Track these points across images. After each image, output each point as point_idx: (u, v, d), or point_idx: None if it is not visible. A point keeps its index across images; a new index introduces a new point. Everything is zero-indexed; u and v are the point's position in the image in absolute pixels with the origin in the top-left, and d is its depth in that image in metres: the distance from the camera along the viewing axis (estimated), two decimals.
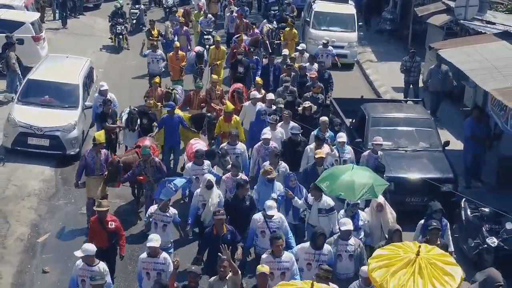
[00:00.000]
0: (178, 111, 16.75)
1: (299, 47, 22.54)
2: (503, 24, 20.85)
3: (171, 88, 18.41)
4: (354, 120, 17.09)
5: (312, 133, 15.26)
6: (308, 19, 27.47)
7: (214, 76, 19.33)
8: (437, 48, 18.79)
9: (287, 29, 24.78)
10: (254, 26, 25.13)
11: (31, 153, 17.23)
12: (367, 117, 16.31)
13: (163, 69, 21.69)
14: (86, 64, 19.86)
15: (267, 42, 23.86)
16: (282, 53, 21.20)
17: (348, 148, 14.81)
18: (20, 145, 17.32)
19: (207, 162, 14.07)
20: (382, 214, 12.42)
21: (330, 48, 22.51)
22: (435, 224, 11.44)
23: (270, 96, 17.17)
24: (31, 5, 26.74)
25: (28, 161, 17.11)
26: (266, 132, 14.89)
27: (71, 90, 18.40)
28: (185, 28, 24.43)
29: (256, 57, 21.50)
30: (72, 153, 17.56)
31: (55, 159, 17.49)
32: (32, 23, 23.29)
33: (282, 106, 16.70)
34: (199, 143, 15.38)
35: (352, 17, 27.33)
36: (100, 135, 14.52)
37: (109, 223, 11.88)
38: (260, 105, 17.00)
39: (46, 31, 25.75)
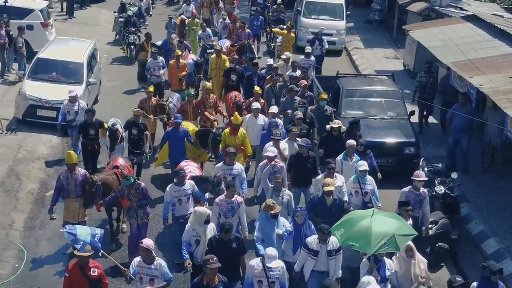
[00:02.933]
0: (185, 125, 15.77)
1: (283, 56, 21.28)
2: (475, 10, 22.67)
3: (164, 100, 17.61)
4: (330, 93, 18.79)
5: (338, 158, 14.09)
6: (299, 8, 29.23)
7: (208, 84, 18.25)
8: (408, 29, 20.52)
9: (285, 32, 24.07)
10: (245, 26, 24.38)
11: (40, 124, 18.92)
12: (341, 89, 18.07)
13: (165, 79, 20.97)
14: (90, 45, 21.64)
15: (253, 46, 23.17)
16: (267, 63, 20.10)
17: (370, 179, 13.33)
18: (30, 116, 18.99)
19: (190, 182, 12.82)
20: (412, 262, 10.75)
21: (312, 58, 21.29)
22: None
23: (274, 109, 16.30)
24: None
25: (37, 130, 18.81)
26: (271, 150, 13.90)
27: (76, 68, 20.07)
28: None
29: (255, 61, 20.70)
30: (76, 124, 19.07)
31: (61, 129, 19.01)
32: (41, 10, 25.14)
33: (302, 117, 15.57)
34: (190, 165, 14.16)
35: (341, 7, 29.08)
36: (71, 155, 13.13)
37: (92, 269, 10.13)
38: (263, 118, 16.28)
39: (54, 21, 27.54)
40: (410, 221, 11.73)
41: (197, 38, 24.69)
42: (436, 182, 14.46)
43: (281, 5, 28.99)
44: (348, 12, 29.44)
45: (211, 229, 11.48)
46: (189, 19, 25.95)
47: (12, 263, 12.96)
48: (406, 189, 12.95)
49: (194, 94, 17.74)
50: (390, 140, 16.73)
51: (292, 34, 24.18)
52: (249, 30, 24.32)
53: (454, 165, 16.33)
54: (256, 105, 16.36)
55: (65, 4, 32.29)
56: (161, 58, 20.64)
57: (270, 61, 20.34)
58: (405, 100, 18.97)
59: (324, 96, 16.95)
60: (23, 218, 14.65)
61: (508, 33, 17.03)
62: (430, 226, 12.97)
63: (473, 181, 16.21)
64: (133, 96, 22.08)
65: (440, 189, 13.94)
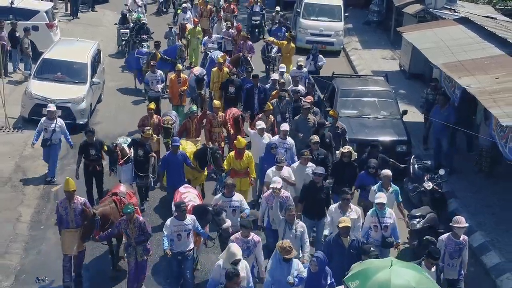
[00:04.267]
0: (183, 144, 15.33)
1: (280, 68, 20.76)
2: (468, 13, 23.28)
3: (169, 123, 16.54)
4: (326, 93, 19.40)
5: (373, 188, 13.36)
6: (299, 10, 29.84)
7: (216, 102, 17.54)
8: (402, 31, 21.14)
9: (285, 42, 23.60)
10: (248, 38, 24.07)
11: None
12: (336, 89, 18.70)
13: (164, 93, 20.64)
14: (94, 46, 22.26)
15: (249, 59, 22.05)
16: (271, 78, 19.86)
17: (390, 212, 12.45)
18: (36, 115, 19.35)
19: (191, 217, 12.12)
20: None
21: (304, 70, 20.75)
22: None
23: (284, 126, 15.48)
24: None
25: None
26: (276, 180, 12.95)
27: (80, 68, 20.65)
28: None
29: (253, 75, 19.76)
30: (81, 122, 19.78)
31: (66, 127, 19.78)
32: (46, 12, 25.75)
33: (318, 141, 14.88)
34: (190, 193, 13.41)
35: (339, 8, 29.69)
36: (70, 183, 12.49)
37: None
38: (268, 136, 15.72)
39: (58, 22, 28.14)
40: (433, 269, 11.13)
41: (202, 44, 24.46)
42: (425, 178, 15.09)
43: (280, 12, 28.91)
44: (346, 14, 30.04)
45: (243, 268, 10.69)
46: (191, 28, 25.93)
47: (20, 254, 13.59)
48: (445, 236, 11.88)
49: (196, 111, 17.11)
50: (383, 138, 17.31)
51: (292, 45, 23.57)
52: (251, 42, 23.86)
53: (441, 163, 16.84)
54: (260, 124, 15.74)
55: (69, 5, 32.89)
56: (159, 72, 20.19)
57: (275, 76, 19.91)
58: (399, 100, 19.63)
59: (333, 113, 16.51)
60: (30, 212, 15.32)
61: (497, 36, 17.61)
62: (418, 220, 13.57)
63: (464, 179, 16.78)
64: (137, 97, 22.70)
65: (428, 185, 14.59)
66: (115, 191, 13.20)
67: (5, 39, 22.73)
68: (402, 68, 25.48)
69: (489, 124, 15.42)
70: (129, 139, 15.77)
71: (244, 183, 14.56)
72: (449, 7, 24.03)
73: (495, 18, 23.32)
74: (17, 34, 23.47)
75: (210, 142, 16.15)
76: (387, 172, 13.32)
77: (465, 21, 20.07)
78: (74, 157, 17.95)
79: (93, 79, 20.67)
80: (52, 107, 16.64)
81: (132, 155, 15.22)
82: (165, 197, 15.54)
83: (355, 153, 14.63)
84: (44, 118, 16.47)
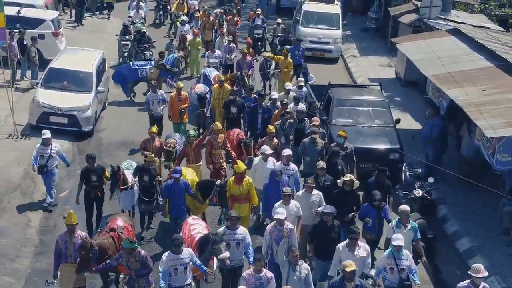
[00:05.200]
0: (184, 171, 14.90)
1: (286, 86, 20.69)
2: (463, 23, 24.03)
3: (171, 145, 16.48)
4: (322, 102, 20.13)
5: (390, 225, 13.09)
6: (298, 18, 30.62)
7: (218, 124, 17.13)
8: (396, 42, 21.87)
9: (282, 57, 23.43)
10: (248, 53, 23.67)
11: (52, 129, 19.43)
12: (332, 99, 19.42)
13: (162, 113, 19.99)
14: (99, 55, 22.98)
15: (245, 79, 22.09)
16: (272, 96, 19.72)
17: (406, 253, 12.03)
18: (43, 123, 20.19)
19: (188, 251, 11.89)
20: None
21: (304, 89, 20.68)
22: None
23: (287, 152, 15.30)
24: (50, 4, 29.92)
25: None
26: (281, 211, 12.67)
27: (86, 77, 21.38)
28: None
29: (254, 95, 19.71)
30: (86, 129, 20.57)
31: (72, 135, 20.51)
32: (52, 21, 26.43)
33: (324, 167, 14.60)
34: (199, 224, 13.24)
35: (337, 16, 30.50)
36: (72, 216, 12.32)
37: None
38: (273, 161, 15.50)
39: (63, 28, 28.87)
40: None
41: (205, 57, 24.59)
42: (416, 185, 15.84)
43: (282, 25, 29.16)
44: (344, 22, 30.78)
45: None
46: (191, 39, 26.36)
47: (30, 258, 14.34)
48: (464, 284, 11.45)
49: (194, 134, 16.73)
50: (376, 146, 18.07)
51: (290, 60, 23.38)
52: (250, 59, 23.64)
53: (431, 171, 17.54)
54: (265, 149, 15.53)
55: (74, 12, 33.64)
56: (160, 92, 20.08)
57: (275, 94, 19.96)
58: (395, 107, 20.29)
59: (343, 133, 16.23)
60: (39, 217, 16.06)
61: (486, 48, 18.31)
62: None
63: (452, 185, 17.44)
64: (140, 103, 23.38)
65: (418, 192, 15.34)
66: (112, 227, 12.91)
67: (15, 48, 23.40)
68: (398, 75, 26.24)
69: (474, 137, 16.21)
70: (134, 164, 15.77)
71: (243, 209, 14.37)
72: (443, 16, 24.72)
73: (488, 28, 24.06)
74: (25, 43, 24.20)
75: (211, 165, 16.26)
76: (405, 207, 13.01)
77: (456, 32, 20.78)
78: (80, 163, 18.87)
79: (98, 88, 21.41)
80: (47, 134, 16.35)
81: (135, 182, 14.99)
82: (167, 225, 15.38)
83: (357, 182, 14.27)
84: (39, 144, 16.36)
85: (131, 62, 24.22)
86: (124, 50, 27.28)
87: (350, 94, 20.03)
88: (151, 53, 26.29)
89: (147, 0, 33.98)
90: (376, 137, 18.48)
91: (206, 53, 24.83)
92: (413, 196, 15.38)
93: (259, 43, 29.39)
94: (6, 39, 20.81)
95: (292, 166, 15.20)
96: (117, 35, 28.59)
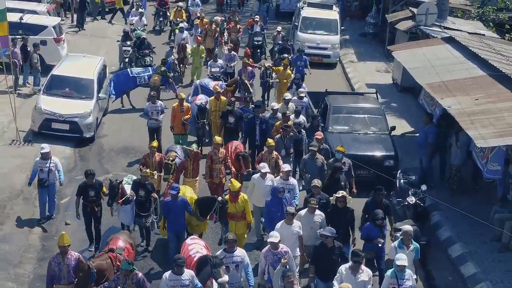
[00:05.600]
0: (182, 189, 14.83)
1: (285, 96, 20.37)
2: (458, 30, 24.39)
3: (170, 158, 16.42)
4: (319, 109, 20.49)
5: (392, 245, 13.14)
6: (297, 23, 31.03)
7: (217, 138, 17.02)
8: (392, 50, 22.24)
9: (281, 68, 23.51)
10: (249, 63, 23.84)
11: (54, 136, 20.63)
12: (329, 106, 19.81)
13: (160, 124, 19.91)
14: (100, 62, 23.36)
15: (246, 82, 22.38)
16: (271, 108, 19.73)
17: (409, 273, 12.07)
18: (45, 129, 20.69)
19: (189, 272, 11.79)
20: None
21: (305, 99, 20.55)
22: None
23: (287, 167, 15.46)
24: (52, 10, 30.29)
25: (51, 142, 20.05)
26: (274, 235, 12.57)
27: (87, 84, 21.77)
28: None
29: (252, 105, 19.86)
30: (88, 136, 20.94)
31: (74, 141, 20.89)
32: (54, 27, 26.83)
33: (319, 185, 14.54)
34: (197, 244, 13.18)
35: (335, 22, 30.90)
36: (64, 238, 12.23)
37: None
38: (271, 179, 15.40)
39: (65, 33, 29.24)
40: None
41: (209, 66, 24.57)
42: (409, 192, 16.21)
43: (282, 33, 29.23)
44: (342, 27, 31.14)
45: None
46: (194, 46, 26.57)
47: (33, 264, 14.72)
48: None
49: (194, 149, 16.68)
50: (372, 153, 18.45)
51: (289, 71, 23.46)
52: (251, 68, 23.66)
53: (425, 178, 17.92)
54: (263, 166, 15.43)
55: (75, 16, 34.01)
56: (160, 102, 20.01)
57: (275, 105, 19.92)
58: (391, 113, 20.59)
59: (341, 148, 16.46)
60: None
61: (480, 56, 18.66)
62: (400, 233, 14.64)
63: (447, 191, 17.83)
64: (141, 108, 23.70)
65: (411, 199, 15.69)
66: (112, 247, 12.82)
67: (18, 55, 23.76)
68: (394, 81, 26.60)
69: (460, 146, 16.70)
70: (134, 177, 15.70)
71: (239, 226, 14.41)
72: (439, 24, 25.07)
73: (483, 35, 24.40)
74: (28, 49, 24.56)
75: (209, 179, 16.34)
76: (408, 228, 13.03)
77: (451, 41, 21.15)
78: (82, 169, 19.25)
79: (99, 94, 21.77)
80: (46, 148, 16.38)
81: (133, 195, 14.92)
82: (164, 242, 15.32)
83: (350, 197, 14.33)
84: (38, 159, 16.38)
85: (129, 70, 24.44)
86: (125, 56, 27.56)
87: (347, 101, 20.41)
88: (151, 59, 26.62)
89: (146, 7, 34.27)
90: (371, 144, 18.85)
91: (209, 62, 24.96)
92: (406, 203, 15.73)
93: (259, 50, 29.60)
94: (9, 46, 21.18)
95: (292, 180, 15.31)
96: (118, 41, 28.95)
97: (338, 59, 30.52)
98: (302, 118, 18.99)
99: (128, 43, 27.64)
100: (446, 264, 15.17)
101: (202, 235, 15.00)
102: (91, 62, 23.28)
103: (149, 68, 24.49)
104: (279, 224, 13.28)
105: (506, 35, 29.75)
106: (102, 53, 29.01)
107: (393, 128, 19.42)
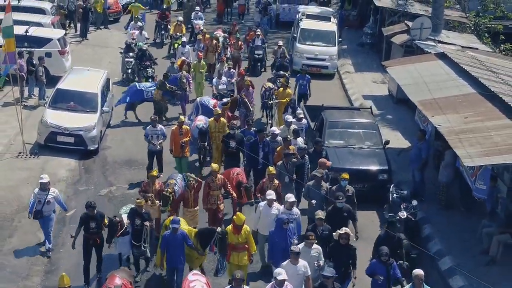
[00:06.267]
0: (183, 225, 14.80)
1: (287, 119, 20.49)
2: (452, 44, 25.08)
3: (169, 190, 16.27)
4: (315, 123, 21.18)
5: None
6: (295, 35, 31.76)
7: (214, 165, 17.05)
8: (386, 65, 22.93)
9: (281, 89, 23.54)
10: (251, 83, 23.76)
11: (59, 148, 21.34)
12: (325, 121, 20.50)
13: (160, 147, 19.99)
14: (103, 76, 24.03)
15: (246, 101, 22.44)
16: (271, 132, 19.46)
17: None
18: (51, 142, 21.37)
19: None
20: None
21: (304, 121, 20.75)
22: None
23: (291, 198, 15.40)
24: (57, 22, 30.98)
25: (57, 154, 21.20)
26: (280, 272, 12.52)
27: (91, 98, 22.43)
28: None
29: (253, 128, 19.85)
30: (92, 148, 21.63)
31: (79, 153, 21.55)
32: (58, 39, 27.53)
33: (322, 217, 14.80)
34: (199, 281, 13.14)
35: (333, 34, 31.61)
36: (65, 279, 12.45)
37: None
38: (277, 208, 15.49)
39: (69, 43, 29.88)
40: None
41: (214, 85, 24.80)
42: (401, 207, 16.91)
43: (283, 47, 29.22)
44: (340, 39, 31.83)
45: None
46: (195, 62, 26.89)
47: (40, 276, 15.39)
48: None
49: (193, 180, 16.58)
50: (367, 167, 19.15)
51: (288, 90, 23.53)
52: (253, 89, 23.71)
53: (417, 192, 18.61)
54: (270, 194, 15.51)
55: (79, 26, 34.69)
56: (160, 126, 20.07)
57: (275, 129, 19.69)
58: (387, 125, 21.16)
59: (346, 176, 16.60)
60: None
61: (470, 74, 19.30)
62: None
63: (436, 207, 18.54)
64: (143, 120, 24.42)
65: (403, 214, 16.41)
66: (110, 286, 12.74)
67: (24, 68, 24.42)
68: (390, 92, 27.26)
69: (445, 164, 17.59)
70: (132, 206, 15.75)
71: (241, 257, 14.48)
72: (433, 37, 25.75)
73: (476, 49, 25.10)
74: (34, 62, 25.23)
75: (208, 206, 16.46)
76: (419, 272, 12.84)
77: (443, 57, 21.78)
78: (86, 181, 20.05)
79: (103, 108, 22.46)
80: (45, 179, 16.23)
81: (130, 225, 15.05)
82: (164, 278, 15.41)
83: (352, 235, 14.35)
84: (37, 189, 16.20)
85: (137, 83, 25.15)
86: (127, 67, 28.26)
87: (342, 116, 21.09)
88: (152, 70, 27.20)
89: (144, 19, 34.60)
90: (366, 158, 19.53)
91: (214, 80, 25.19)
92: (398, 217, 16.42)
93: (259, 64, 30.09)
94: (16, 62, 21.86)
95: (295, 210, 15.42)
96: (121, 52, 29.64)
97: (336, 69, 31.22)
98: (300, 140, 19.20)
99: (131, 54, 28.32)
100: (436, 277, 15.77)
101: (203, 268, 15.21)
102: (95, 76, 23.94)
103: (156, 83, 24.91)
104: (284, 263, 13.25)
105: (501, 45, 30.50)
106: (105, 64, 29.93)
107: (387, 142, 20.09)
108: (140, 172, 20.41)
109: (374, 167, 19.18)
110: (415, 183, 18.93)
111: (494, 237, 15.79)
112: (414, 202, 16.74)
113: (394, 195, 17.78)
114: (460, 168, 17.12)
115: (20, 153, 21.17)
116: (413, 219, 16.49)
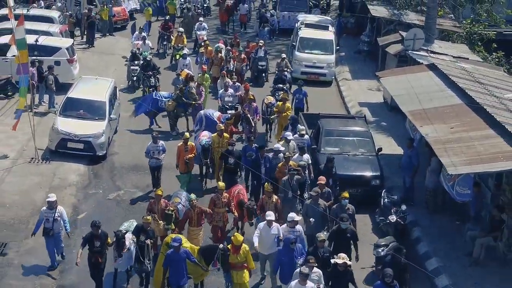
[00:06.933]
0: (185, 243, 15.14)
1: (286, 135, 21.29)
2: (444, 54, 26.21)
3: (170, 208, 16.83)
4: (313, 131, 22.34)
5: None
6: (294, 43, 32.99)
7: (221, 184, 17.71)
8: (380, 76, 24.08)
9: (280, 103, 24.25)
10: (254, 99, 24.32)
11: (69, 154, 22.55)
12: (321, 129, 21.68)
13: (161, 163, 20.68)
14: (111, 84, 25.21)
15: (249, 116, 23.05)
16: (276, 148, 20.07)
17: None
18: (62, 148, 22.58)
19: None
20: None
21: (306, 137, 21.39)
22: None
23: (295, 217, 16.01)
24: (65, 31, 32.16)
25: (67, 160, 22.39)
26: None
27: (99, 106, 23.62)
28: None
29: (255, 145, 20.34)
30: (100, 154, 22.81)
31: (88, 159, 22.75)
32: (67, 48, 28.73)
33: (324, 239, 15.29)
34: None
35: (331, 42, 32.85)
36: None
37: None
38: (277, 227, 15.96)
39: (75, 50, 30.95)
40: None
41: (219, 97, 25.62)
42: (392, 211, 18.08)
43: (285, 59, 29.85)
44: (337, 47, 33.00)
45: None
46: (199, 75, 27.73)
47: (55, 275, 16.54)
48: None
49: (195, 199, 17.02)
50: (360, 173, 20.33)
51: (288, 104, 24.24)
52: (256, 105, 24.19)
53: (407, 198, 19.77)
54: (269, 215, 16.04)
55: (86, 34, 35.93)
56: (161, 142, 20.58)
57: (278, 146, 20.21)
58: (381, 132, 22.20)
59: (346, 194, 17.08)
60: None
61: (458, 85, 20.41)
62: (382, 248, 16.49)
63: (425, 210, 19.73)
64: (148, 126, 25.72)
65: (393, 218, 17.59)
66: None
67: (35, 76, 25.53)
68: (385, 100, 28.39)
69: (431, 170, 18.71)
70: (135, 223, 16.32)
71: (240, 275, 15.05)
72: (426, 48, 26.89)
73: (467, 58, 26.24)
74: (44, 70, 26.34)
75: (213, 221, 17.10)
76: None
77: (434, 68, 22.89)
78: (95, 185, 21.20)
79: (111, 116, 23.64)
80: (52, 198, 16.71)
81: (132, 242, 15.48)
82: None
83: (349, 262, 14.56)
84: (44, 208, 16.68)
85: (154, 93, 26.06)
86: (133, 74, 29.43)
87: (338, 125, 22.27)
88: (156, 80, 28.10)
89: (148, 30, 35.29)
90: (360, 164, 20.70)
91: (220, 93, 25.91)
92: (388, 221, 17.60)
93: (263, 74, 30.90)
94: (30, 72, 23.02)
95: (298, 228, 15.97)
96: (126, 60, 30.82)
97: (333, 77, 32.41)
98: (306, 157, 19.72)
99: (136, 62, 29.45)
100: (422, 278, 16.85)
101: (203, 285, 15.87)
102: (103, 85, 25.11)
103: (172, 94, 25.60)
104: (293, 283, 13.76)
105: (493, 53, 31.56)
106: (111, 71, 31.19)
107: (380, 149, 21.25)
108: (146, 177, 21.46)
109: (367, 173, 20.35)
110: (406, 188, 20.07)
111: (477, 240, 16.94)
112: (403, 207, 17.93)
113: (386, 199, 18.93)
114: (440, 175, 18.26)
115: (32, 158, 22.32)
116: (402, 222, 17.66)
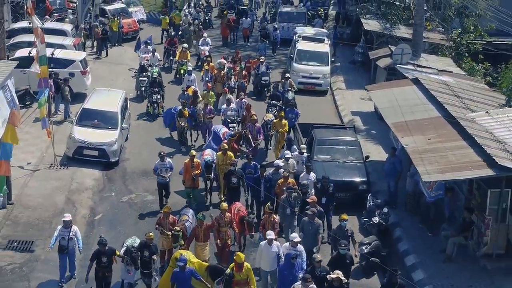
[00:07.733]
0: (190, 260, 16.28)
1: (286, 155, 22.31)
2: (429, 67, 28.35)
3: (177, 228, 18.01)
4: (307, 139, 24.49)
5: None
6: (292, 55, 35.23)
7: (224, 205, 18.55)
8: (369, 89, 26.23)
9: (277, 120, 25.24)
10: (256, 121, 25.13)
11: (85, 160, 24.71)
12: (314, 138, 23.84)
13: (168, 179, 21.80)
14: (122, 95, 27.39)
15: (250, 137, 24.10)
16: (276, 164, 21.29)
17: None
18: (78, 155, 24.76)
19: None
20: None
21: (305, 154, 22.68)
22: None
23: (296, 238, 16.95)
24: (78, 44, 34.31)
25: (84, 165, 24.56)
26: None
27: (112, 116, 25.77)
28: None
29: (253, 162, 21.51)
30: (113, 160, 24.97)
31: (102, 165, 24.90)
32: (80, 61, 30.92)
33: (321, 260, 16.29)
34: None
35: (327, 54, 35.08)
36: None
37: None
38: (277, 245, 16.93)
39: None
40: None
41: (222, 113, 26.67)
42: (376, 213, 20.25)
43: (290, 79, 30.82)
44: (333, 59, 35.22)
45: None
46: (204, 92, 29.24)
47: (77, 268, 18.46)
48: None
49: (203, 218, 18.10)
50: (348, 179, 22.48)
51: (284, 121, 25.12)
52: (259, 125, 25.06)
53: (391, 201, 21.90)
54: (270, 234, 17.00)
55: (96, 44, 38.12)
56: (168, 160, 21.78)
57: (278, 162, 21.47)
58: (370, 139, 24.26)
59: (345, 217, 18.28)
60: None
61: (437, 99, 22.48)
62: (365, 246, 18.65)
63: (406, 212, 21.87)
64: (158, 134, 27.80)
65: (376, 219, 19.79)
66: None
67: (52, 87, 27.39)
68: (375, 109, 30.44)
69: (410, 175, 20.86)
70: (138, 240, 17.51)
71: None
72: (413, 62, 29.03)
73: (451, 72, 28.37)
74: (59, 81, 28.42)
75: (218, 239, 18.13)
76: None
77: (416, 82, 24.89)
78: (109, 190, 23.32)
79: (123, 125, 25.80)
80: (67, 217, 17.79)
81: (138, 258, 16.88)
82: None
83: (344, 278, 15.40)
84: (60, 227, 17.78)
85: (174, 107, 27.16)
86: (141, 85, 31.56)
87: (329, 134, 24.44)
88: (158, 97, 29.54)
89: (152, 42, 36.67)
90: (349, 170, 22.87)
91: (222, 107, 26.95)
92: (371, 222, 19.80)
93: (266, 89, 32.07)
94: (49, 86, 25.17)
95: (299, 247, 16.89)
96: (135, 72, 32.93)
97: (328, 87, 34.62)
98: (312, 175, 21.05)
99: (144, 74, 31.56)
100: (402, 272, 18.86)
101: None
102: (115, 96, 27.29)
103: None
104: None
105: (480, 64, 33.52)
106: (120, 81, 33.37)
107: (367, 157, 23.40)
108: (155, 181, 23.03)
109: (356, 179, 22.50)
110: (390, 192, 22.23)
111: (450, 239, 19.07)
112: (385, 210, 20.12)
113: (371, 203, 21.08)
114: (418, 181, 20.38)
115: (51, 164, 24.44)
116: (384, 223, 19.85)
